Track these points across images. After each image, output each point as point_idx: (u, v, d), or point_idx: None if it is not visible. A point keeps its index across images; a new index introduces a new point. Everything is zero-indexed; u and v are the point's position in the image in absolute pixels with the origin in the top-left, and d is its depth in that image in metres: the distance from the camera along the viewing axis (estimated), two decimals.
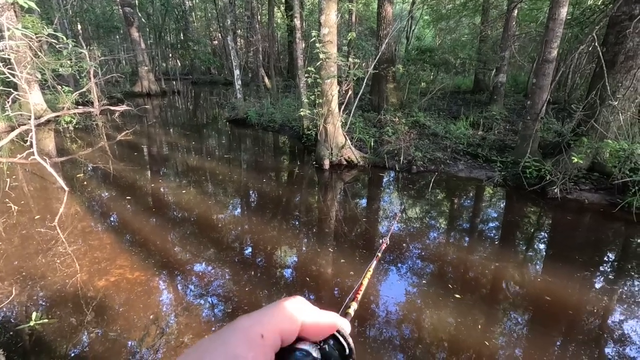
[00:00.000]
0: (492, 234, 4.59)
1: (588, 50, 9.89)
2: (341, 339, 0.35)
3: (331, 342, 0.34)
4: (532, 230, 4.76)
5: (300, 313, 0.32)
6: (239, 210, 5.26)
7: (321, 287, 3.38)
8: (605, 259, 4.04)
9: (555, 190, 5.23)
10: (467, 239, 4.44)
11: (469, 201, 5.78)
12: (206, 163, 7.53)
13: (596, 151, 5.52)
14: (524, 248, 4.23)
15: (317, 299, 3.20)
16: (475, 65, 12.33)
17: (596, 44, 5.37)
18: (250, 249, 4.08)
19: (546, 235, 4.71)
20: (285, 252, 4.02)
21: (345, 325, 0.37)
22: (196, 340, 2.62)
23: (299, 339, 0.32)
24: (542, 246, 4.35)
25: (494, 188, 5.87)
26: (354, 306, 0.57)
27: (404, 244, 4.17)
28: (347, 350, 0.35)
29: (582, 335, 2.84)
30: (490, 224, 4.90)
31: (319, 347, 0.33)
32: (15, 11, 8.40)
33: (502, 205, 5.59)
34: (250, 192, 5.97)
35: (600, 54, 5.27)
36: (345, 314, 0.51)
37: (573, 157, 5.08)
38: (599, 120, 5.40)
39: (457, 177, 6.35)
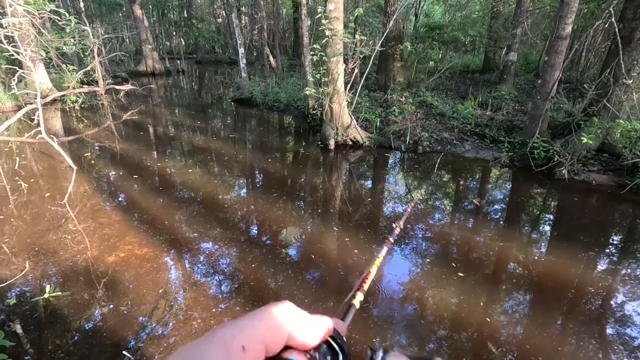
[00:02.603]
0: (497, 215, 4.58)
1: (604, 27, 9.54)
2: (334, 344, 0.33)
3: (323, 347, 0.32)
4: (538, 211, 4.74)
5: (287, 321, 0.29)
6: (244, 190, 5.29)
7: (326, 264, 3.43)
8: (611, 240, 4.03)
9: (563, 172, 5.18)
10: (472, 219, 4.44)
11: (475, 182, 5.74)
12: (211, 143, 7.53)
13: (607, 131, 5.41)
14: (529, 228, 4.23)
15: (321, 277, 3.26)
16: (485, 44, 11.98)
17: (613, 19, 5.17)
18: (256, 228, 4.13)
19: (552, 216, 4.70)
20: (290, 232, 4.07)
21: (340, 327, 0.34)
22: (204, 315, 2.70)
23: (286, 347, 0.29)
24: (547, 227, 4.34)
25: (500, 169, 5.82)
26: (359, 297, 0.52)
27: (411, 224, 4.18)
28: (341, 357, 0.32)
29: (585, 314, 2.87)
30: (496, 205, 4.89)
31: (308, 355, 0.30)
32: None
33: (508, 186, 5.56)
34: (256, 172, 5.99)
35: (617, 30, 5.08)
36: (349, 306, 0.48)
37: (583, 138, 4.99)
38: (611, 100, 5.27)
39: (463, 157, 6.29)
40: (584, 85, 6.37)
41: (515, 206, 4.86)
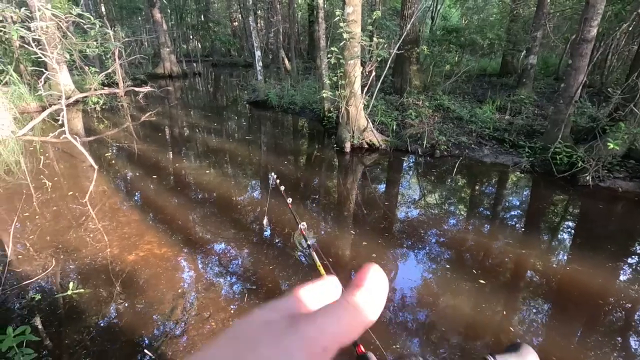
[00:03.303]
0: (519, 221, 4.47)
1: (628, 30, 9.27)
2: None
3: None
4: (560, 218, 4.61)
5: (359, 322, 0.25)
6: (258, 191, 5.31)
7: (340, 267, 3.40)
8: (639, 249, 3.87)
9: (587, 178, 5.02)
10: (493, 225, 4.35)
11: (494, 187, 5.63)
12: (227, 144, 7.60)
13: (634, 137, 5.23)
14: (552, 236, 4.11)
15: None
16: (504, 47, 11.77)
17: None
18: (270, 229, 4.13)
19: (576, 223, 4.55)
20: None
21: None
22: (222, 315, 2.70)
23: None
24: (571, 234, 4.21)
25: (520, 174, 5.69)
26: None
27: (429, 229, 4.12)
28: None
29: (611, 326, 2.76)
30: (517, 211, 4.77)
31: None
32: None
33: (529, 192, 5.42)
34: (271, 173, 6.00)
35: None
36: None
37: (609, 143, 4.83)
38: (639, 104, 5.09)
39: (482, 162, 6.18)
40: (609, 89, 6.18)
41: (537, 212, 4.74)
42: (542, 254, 3.67)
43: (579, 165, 5.12)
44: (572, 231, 4.31)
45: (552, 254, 3.70)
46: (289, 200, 1.74)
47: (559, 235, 4.17)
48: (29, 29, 5.30)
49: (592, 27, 5.20)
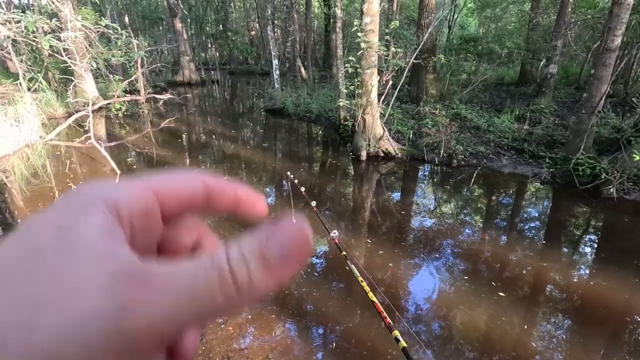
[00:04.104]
0: (540, 233, 4.37)
1: None
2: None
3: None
4: (583, 231, 4.48)
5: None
6: (273, 198, 5.36)
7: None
8: None
9: (611, 190, 4.88)
10: (512, 236, 4.26)
11: (513, 198, 5.53)
12: (243, 151, 7.71)
13: None
14: (573, 249, 4.00)
15: (346, 288, 3.21)
16: (523, 55, 11.62)
17: None
18: None
19: (599, 236, 4.42)
20: (319, 241, 4.06)
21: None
22: (238, 320, 2.72)
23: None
24: (595, 248, 4.09)
25: (540, 185, 5.57)
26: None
27: (446, 239, 4.07)
28: None
29: (637, 343, 2.65)
30: (537, 223, 4.67)
31: None
32: (72, 3, 8.94)
33: (550, 203, 5.30)
34: (287, 181, 6.05)
35: None
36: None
37: (634, 155, 4.69)
38: None
39: (500, 172, 6.08)
40: (633, 99, 6.02)
41: (558, 224, 4.62)
42: (564, 267, 3.57)
43: (603, 177, 4.98)
44: (596, 245, 4.18)
45: (574, 268, 3.60)
46: (313, 203, 1.73)
47: (582, 249, 4.05)
48: (59, 39, 5.55)
49: (616, 36, 5.10)
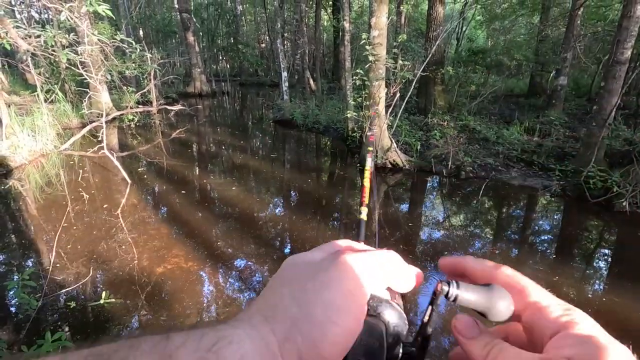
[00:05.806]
0: (549, 247, 4.30)
1: None
2: (397, 308, 0.28)
3: (384, 309, 0.28)
4: (595, 245, 4.40)
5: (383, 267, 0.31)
6: (282, 209, 5.39)
7: None
8: None
9: (624, 204, 4.79)
10: (521, 249, 4.20)
11: (523, 210, 5.46)
12: (252, 161, 7.79)
13: None
14: (586, 263, 3.92)
15: None
16: (532, 67, 11.61)
17: None
18: (298, 245, 4.16)
19: (612, 251, 4.33)
20: None
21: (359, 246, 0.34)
22: None
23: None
24: (607, 263, 4.01)
25: (550, 198, 5.50)
26: (364, 211, 0.57)
27: (454, 252, 4.03)
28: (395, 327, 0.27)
29: None
30: (548, 236, 4.60)
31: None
32: (89, 18, 9.27)
33: (560, 216, 5.22)
34: (295, 191, 6.09)
35: None
36: (359, 222, 0.54)
37: None
38: None
39: (509, 184, 6.02)
40: None
41: (569, 238, 4.54)
42: (576, 282, 3.50)
43: (615, 190, 4.90)
44: (609, 259, 4.10)
45: (586, 283, 3.52)
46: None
47: (594, 263, 3.97)
48: (76, 52, 5.75)
49: (626, 48, 5.08)
